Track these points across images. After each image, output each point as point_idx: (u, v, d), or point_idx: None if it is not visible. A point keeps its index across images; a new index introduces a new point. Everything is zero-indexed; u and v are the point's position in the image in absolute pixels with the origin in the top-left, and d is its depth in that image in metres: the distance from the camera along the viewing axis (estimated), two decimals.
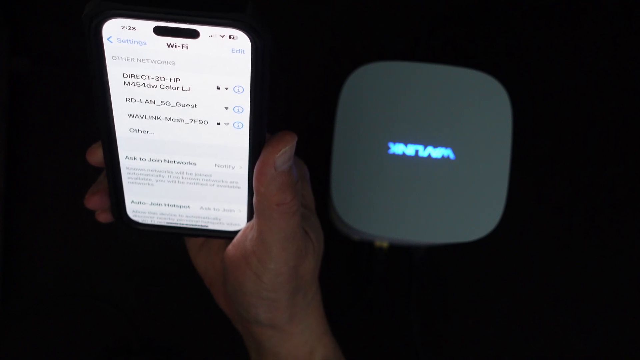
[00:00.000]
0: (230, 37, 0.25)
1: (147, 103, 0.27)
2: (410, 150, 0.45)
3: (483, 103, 0.46)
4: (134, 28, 0.24)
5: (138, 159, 0.29)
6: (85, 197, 0.33)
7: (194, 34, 0.24)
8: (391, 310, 0.55)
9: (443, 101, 0.46)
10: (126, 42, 0.25)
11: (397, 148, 0.45)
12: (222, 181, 0.30)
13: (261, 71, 0.26)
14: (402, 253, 0.54)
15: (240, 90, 0.27)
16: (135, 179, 0.30)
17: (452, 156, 0.45)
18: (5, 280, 0.53)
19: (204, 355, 0.55)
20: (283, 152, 0.29)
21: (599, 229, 0.56)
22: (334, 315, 0.55)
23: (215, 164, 0.30)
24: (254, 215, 0.31)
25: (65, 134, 0.55)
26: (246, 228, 0.33)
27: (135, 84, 0.26)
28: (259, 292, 0.33)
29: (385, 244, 0.52)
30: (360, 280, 0.55)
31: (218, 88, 0.26)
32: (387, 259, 0.54)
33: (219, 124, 0.28)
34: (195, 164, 0.29)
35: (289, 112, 0.56)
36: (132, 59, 0.25)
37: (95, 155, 0.32)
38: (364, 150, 0.45)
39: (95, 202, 0.33)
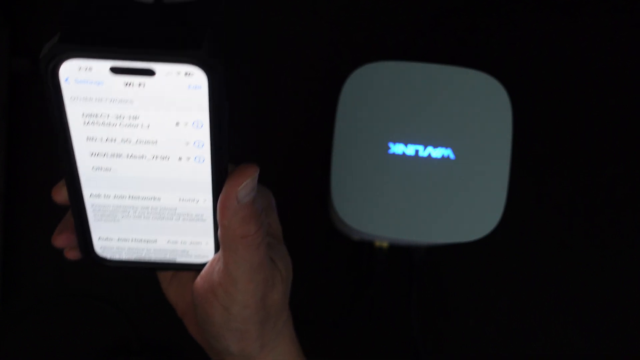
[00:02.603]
0: (186, 73, 0.25)
1: (108, 142, 0.27)
2: (410, 150, 0.45)
3: (483, 103, 0.46)
4: (90, 68, 0.25)
5: (102, 196, 0.30)
6: (53, 236, 0.33)
7: (150, 72, 0.25)
8: (392, 309, 0.55)
9: (443, 101, 0.46)
10: (84, 82, 0.25)
11: (397, 148, 0.45)
12: (187, 214, 0.31)
13: (219, 105, 0.26)
14: (402, 253, 0.54)
15: (200, 125, 0.27)
16: (101, 216, 0.31)
17: (452, 156, 0.45)
18: (5, 280, 0.53)
19: (204, 355, 0.55)
20: (245, 184, 0.29)
21: (599, 229, 0.56)
22: (334, 316, 0.55)
23: (180, 198, 0.30)
24: (220, 248, 0.31)
25: None
26: (213, 260, 0.33)
27: (95, 123, 0.26)
28: (228, 324, 0.33)
29: (385, 244, 0.52)
30: (361, 280, 0.55)
31: (177, 124, 0.27)
32: (387, 259, 0.54)
33: (180, 159, 0.28)
34: (159, 198, 0.30)
35: (289, 112, 0.56)
36: (91, 99, 0.26)
37: (61, 194, 0.32)
38: (364, 150, 0.45)
39: (63, 240, 0.33)
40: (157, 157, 0.28)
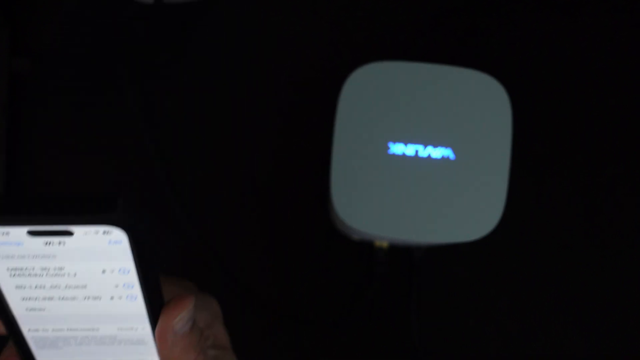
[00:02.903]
0: (104, 232, 0.26)
1: (37, 288, 0.28)
2: (410, 150, 0.45)
3: (483, 103, 0.46)
4: (7, 233, 0.25)
5: (41, 330, 0.31)
6: None
7: (68, 233, 0.25)
8: (392, 309, 0.55)
9: (443, 101, 0.46)
10: (3, 244, 0.26)
11: (397, 148, 0.45)
12: (128, 340, 0.31)
13: (143, 253, 0.27)
14: (402, 253, 0.54)
15: (127, 271, 0.28)
16: (43, 345, 0.31)
17: (452, 156, 0.45)
18: None
19: None
20: (180, 317, 0.30)
21: (599, 229, 0.56)
22: (334, 316, 0.55)
23: (118, 328, 0.31)
24: None
25: (65, 134, 0.55)
26: None
27: (22, 274, 0.27)
28: None
29: (385, 244, 0.52)
30: (361, 280, 0.55)
31: (104, 271, 0.27)
32: (387, 259, 0.54)
33: (112, 298, 0.29)
34: (97, 329, 0.31)
35: (289, 113, 0.56)
36: (12, 257, 0.26)
37: (1, 327, 0.32)
38: (364, 150, 0.45)
39: None
40: (88, 297, 0.29)
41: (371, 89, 0.46)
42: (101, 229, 0.25)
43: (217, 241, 0.55)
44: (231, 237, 0.55)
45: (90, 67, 0.56)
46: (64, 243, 0.26)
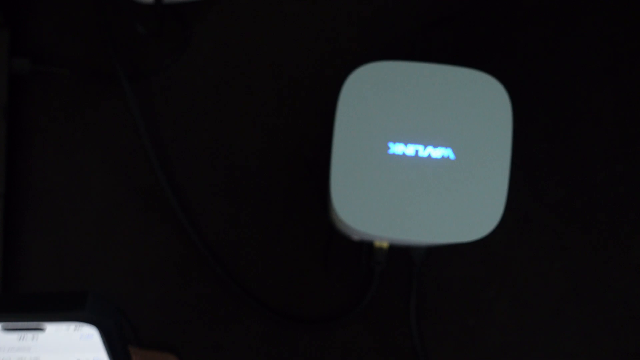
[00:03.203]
0: (75, 328, 0.27)
1: None
2: (410, 150, 0.45)
3: (483, 103, 0.46)
4: None
5: None
6: None
7: (40, 329, 0.27)
8: (391, 310, 0.55)
9: (443, 101, 0.46)
10: None
11: (397, 148, 0.45)
12: None
13: (114, 345, 0.28)
14: (402, 253, 0.54)
15: None
16: None
17: (452, 156, 0.45)
18: (5, 280, 0.53)
19: (202, 356, 0.55)
20: None
21: (599, 229, 0.56)
22: (334, 315, 0.55)
23: None
24: None
25: (65, 134, 0.55)
26: None
27: None
28: None
29: (385, 244, 0.52)
30: (360, 280, 0.55)
31: None
32: (387, 259, 0.54)
33: None
34: None
35: (289, 112, 0.56)
36: None
37: None
38: (364, 150, 0.45)
39: None
40: None
41: (371, 89, 0.46)
42: (72, 325, 0.26)
43: (217, 241, 0.55)
44: (231, 237, 0.55)
45: (90, 67, 0.56)
46: (37, 338, 0.27)
